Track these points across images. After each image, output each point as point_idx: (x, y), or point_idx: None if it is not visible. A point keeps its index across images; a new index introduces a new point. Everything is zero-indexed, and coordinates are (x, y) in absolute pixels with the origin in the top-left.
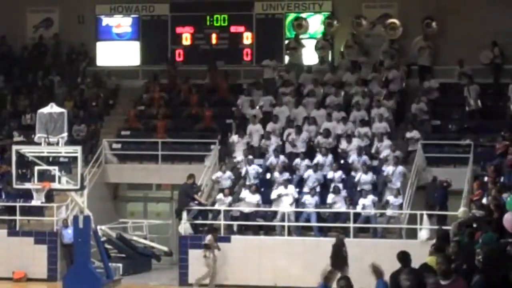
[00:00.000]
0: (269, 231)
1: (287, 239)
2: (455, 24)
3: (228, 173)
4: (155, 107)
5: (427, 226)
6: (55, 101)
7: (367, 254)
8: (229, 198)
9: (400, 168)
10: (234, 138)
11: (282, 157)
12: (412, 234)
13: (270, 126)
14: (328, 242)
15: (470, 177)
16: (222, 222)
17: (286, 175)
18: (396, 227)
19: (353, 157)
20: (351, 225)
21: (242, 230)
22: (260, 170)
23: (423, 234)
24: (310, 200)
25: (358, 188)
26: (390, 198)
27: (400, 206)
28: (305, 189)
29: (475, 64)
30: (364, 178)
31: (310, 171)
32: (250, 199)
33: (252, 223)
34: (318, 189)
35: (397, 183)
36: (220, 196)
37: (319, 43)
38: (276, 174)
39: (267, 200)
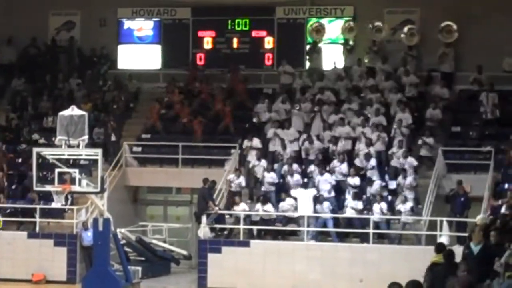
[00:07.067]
0: (286, 236)
1: (306, 244)
2: (478, 31)
3: (241, 179)
4: (176, 110)
5: (447, 233)
6: (75, 104)
7: (386, 260)
8: (241, 207)
9: (409, 179)
10: (245, 142)
11: (295, 165)
12: (431, 240)
13: (285, 132)
14: (346, 248)
15: (490, 183)
16: (241, 226)
17: (298, 177)
18: (413, 234)
19: (362, 162)
20: (370, 231)
21: (261, 235)
22: (276, 177)
23: (443, 240)
24: (320, 208)
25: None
26: (399, 206)
27: (412, 210)
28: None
29: (497, 71)
30: (369, 188)
31: (319, 176)
32: (261, 211)
33: (271, 228)
34: (331, 193)
35: (407, 193)
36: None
37: (344, 48)
38: (289, 177)
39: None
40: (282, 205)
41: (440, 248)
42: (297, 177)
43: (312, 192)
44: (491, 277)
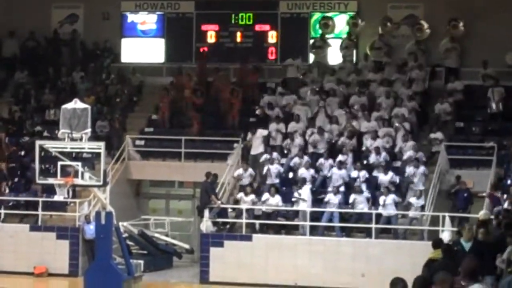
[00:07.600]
0: (290, 230)
1: (308, 239)
2: (482, 26)
3: (250, 171)
4: (185, 99)
5: (449, 228)
6: (78, 97)
7: (388, 255)
8: (250, 197)
9: (422, 168)
10: (249, 135)
11: (306, 157)
12: (434, 236)
13: (292, 125)
14: (348, 242)
15: (493, 179)
16: (244, 220)
17: (312, 172)
18: (418, 229)
19: (372, 157)
20: (373, 225)
21: (264, 229)
22: (282, 169)
23: (445, 236)
24: (333, 199)
25: (381, 189)
26: (412, 199)
27: (422, 208)
28: (329, 188)
29: (501, 66)
30: (381, 178)
31: (334, 169)
32: (270, 201)
33: (273, 222)
34: (342, 188)
35: (419, 184)
36: (241, 195)
37: (344, 42)
38: (303, 170)
39: (289, 199)
40: (298, 192)
41: (437, 243)
42: (311, 171)
43: (308, 189)
44: (484, 273)
